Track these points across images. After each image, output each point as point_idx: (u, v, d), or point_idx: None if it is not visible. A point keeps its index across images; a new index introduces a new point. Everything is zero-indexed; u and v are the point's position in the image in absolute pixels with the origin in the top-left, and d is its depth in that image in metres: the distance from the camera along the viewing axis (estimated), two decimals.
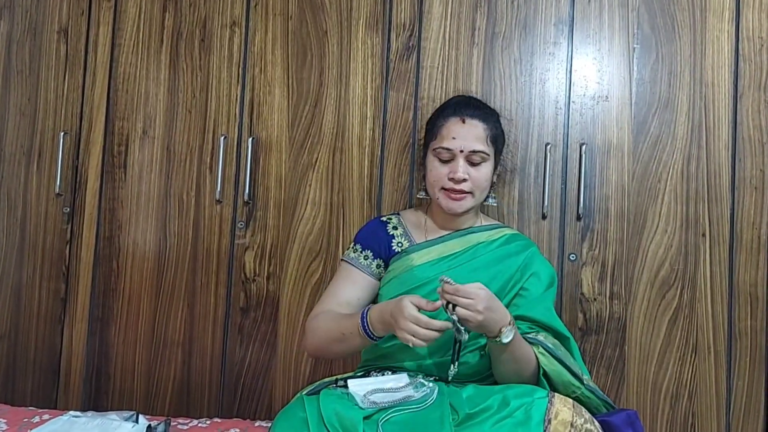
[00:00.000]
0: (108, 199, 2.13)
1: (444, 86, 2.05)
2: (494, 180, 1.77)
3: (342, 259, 1.77)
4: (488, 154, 1.70)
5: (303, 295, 2.05)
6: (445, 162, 1.69)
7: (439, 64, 2.05)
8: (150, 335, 2.10)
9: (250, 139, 2.07)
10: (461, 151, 1.67)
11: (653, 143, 1.98)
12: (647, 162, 1.98)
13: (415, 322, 1.39)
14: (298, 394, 1.54)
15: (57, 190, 2.14)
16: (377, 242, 1.74)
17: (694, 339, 1.95)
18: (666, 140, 1.98)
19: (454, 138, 1.68)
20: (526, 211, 2.00)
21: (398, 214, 1.83)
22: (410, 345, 1.40)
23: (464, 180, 1.67)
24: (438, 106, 2.01)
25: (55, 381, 2.12)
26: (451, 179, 1.67)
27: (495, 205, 1.87)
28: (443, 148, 1.68)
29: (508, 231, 1.79)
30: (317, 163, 2.07)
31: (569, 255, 1.98)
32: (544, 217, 1.99)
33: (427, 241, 1.74)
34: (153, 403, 2.08)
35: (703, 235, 1.96)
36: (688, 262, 1.96)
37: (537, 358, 1.55)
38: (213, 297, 2.08)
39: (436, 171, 1.70)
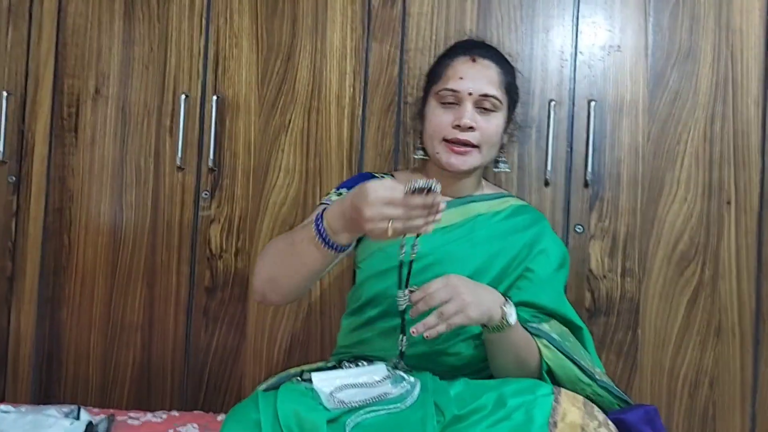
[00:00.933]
0: (57, 167, 1.90)
1: (434, 36, 1.80)
2: (505, 140, 1.50)
3: (316, 205, 1.50)
4: (501, 102, 1.43)
5: None
6: (448, 107, 1.42)
7: (427, 11, 1.80)
8: (106, 318, 1.87)
9: (215, 97, 1.83)
10: (470, 94, 1.40)
11: (672, 99, 1.74)
12: (665, 121, 1.74)
13: (388, 202, 1.07)
14: (256, 390, 1.30)
15: (0, 158, 1.90)
16: None
17: (716, 321, 1.73)
18: (686, 96, 1.74)
19: (461, 78, 1.41)
20: (527, 177, 1.77)
21: (391, 175, 1.57)
22: (389, 235, 1.07)
23: (471, 128, 1.40)
24: (427, 58, 1.79)
25: (2, 368, 1.91)
26: (456, 127, 1.40)
27: (508, 171, 1.64)
28: (448, 89, 1.41)
29: (514, 201, 1.54)
30: (290, 125, 1.83)
31: (575, 226, 1.75)
32: (546, 183, 1.76)
33: None
34: (110, 393, 1.87)
35: (728, 203, 1.73)
36: (710, 234, 1.73)
37: (540, 351, 1.32)
38: (175, 275, 1.85)
39: (438, 118, 1.42)
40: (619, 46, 1.76)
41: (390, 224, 1.06)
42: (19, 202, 1.91)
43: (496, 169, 1.55)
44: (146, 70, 1.88)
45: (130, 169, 1.88)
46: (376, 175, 1.53)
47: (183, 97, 1.84)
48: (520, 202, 1.56)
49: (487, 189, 1.57)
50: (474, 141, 1.41)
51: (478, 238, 1.44)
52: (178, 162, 1.84)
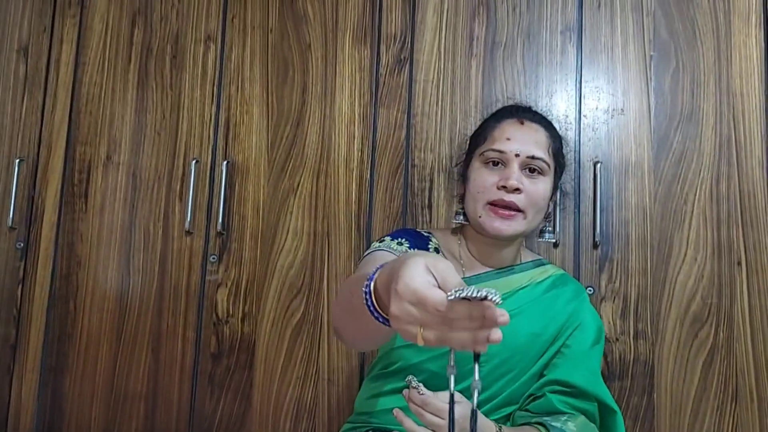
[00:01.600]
0: (66, 233, 1.90)
1: (440, 101, 1.84)
2: (550, 208, 1.42)
3: (362, 257, 1.36)
4: (548, 166, 1.36)
5: (282, 337, 1.79)
6: (494, 169, 1.35)
7: (433, 78, 1.84)
8: (109, 386, 1.84)
9: (225, 162, 1.85)
10: (517, 155, 1.33)
11: (677, 160, 1.75)
12: (671, 181, 1.75)
13: (418, 302, 0.75)
14: None
15: (10, 224, 1.91)
16: (415, 245, 1.36)
17: (733, 384, 1.68)
18: (691, 157, 1.75)
19: (508, 139, 1.34)
20: (536, 239, 1.76)
21: (430, 233, 1.44)
22: (420, 343, 0.78)
23: (517, 190, 1.31)
24: (434, 122, 1.81)
25: None
26: (502, 188, 1.31)
27: (553, 241, 1.58)
28: (494, 149, 1.34)
29: (552, 271, 1.46)
30: (299, 188, 1.84)
31: (586, 288, 1.73)
32: (555, 245, 1.75)
33: (464, 278, 1.37)
34: None
35: (739, 263, 1.71)
36: (722, 294, 1.70)
37: None
38: (180, 341, 1.83)
39: (482, 179, 1.34)
40: (622, 110, 1.79)
41: (420, 331, 0.77)
42: (26, 268, 1.90)
43: (539, 239, 1.49)
44: (158, 137, 1.91)
45: (138, 233, 1.88)
46: (423, 233, 1.42)
47: (194, 162, 1.86)
48: (559, 271, 1.49)
49: (525, 256, 1.48)
50: (520, 205, 1.32)
51: (518, 309, 1.37)
52: (186, 226, 1.85)
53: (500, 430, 1.20)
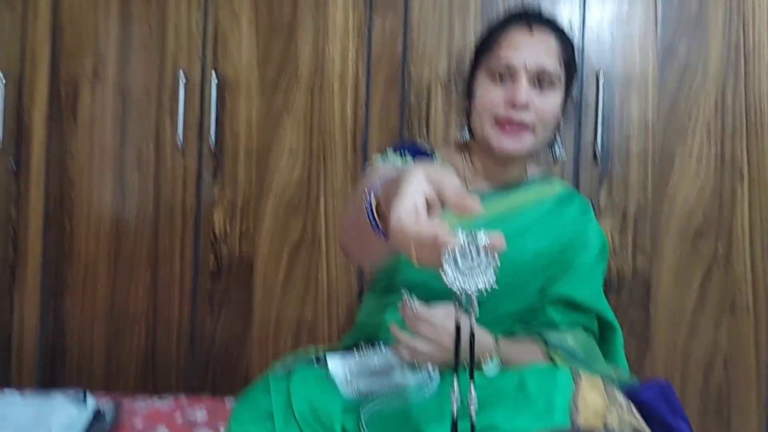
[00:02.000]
0: (57, 152, 1.87)
1: (438, 9, 1.76)
2: (561, 121, 1.35)
3: (364, 170, 1.40)
4: (560, 78, 1.29)
5: (280, 256, 1.80)
6: (501, 84, 1.27)
7: None
8: (109, 306, 1.85)
9: (215, 77, 1.79)
10: (526, 67, 1.25)
11: (681, 71, 1.71)
12: (675, 94, 1.71)
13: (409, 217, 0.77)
14: (269, 372, 1.26)
15: (0, 144, 1.88)
16: (420, 159, 1.31)
17: (730, 297, 1.70)
18: (697, 67, 1.70)
19: (517, 48, 1.26)
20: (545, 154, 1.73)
21: (433, 150, 1.40)
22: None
23: (526, 107, 1.25)
24: (431, 34, 1.75)
25: (7, 358, 1.89)
26: (510, 104, 1.25)
27: (564, 158, 1.55)
28: (502, 61, 1.26)
29: (559, 186, 1.42)
30: (293, 104, 1.80)
31: None
32: (554, 160, 1.72)
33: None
34: (115, 380, 1.85)
35: (741, 177, 1.70)
36: (723, 208, 1.70)
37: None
38: (179, 261, 1.83)
39: (489, 94, 1.27)
40: (627, 17, 1.72)
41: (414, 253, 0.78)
42: (20, 188, 1.88)
43: (549, 154, 1.41)
44: (144, 51, 1.85)
45: (130, 152, 1.85)
46: (425, 147, 1.39)
47: (182, 77, 1.81)
48: (565, 186, 1.44)
49: (531, 171, 1.42)
50: (529, 122, 1.26)
51: (524, 225, 1.34)
52: (179, 144, 1.81)
53: (497, 341, 1.21)
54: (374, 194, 0.90)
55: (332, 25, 1.79)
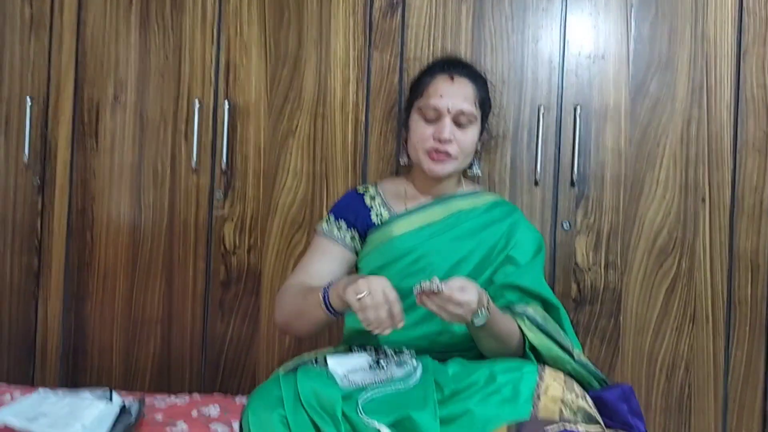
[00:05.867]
0: (79, 170, 2.03)
1: (431, 46, 1.93)
2: (478, 147, 1.68)
3: (315, 231, 1.68)
4: (476, 117, 1.61)
5: (286, 268, 1.96)
6: (430, 122, 1.59)
7: (425, 22, 1.93)
8: (127, 311, 2.02)
9: (226, 103, 1.95)
10: (449, 111, 1.57)
11: (652, 105, 1.88)
12: (646, 125, 1.88)
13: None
14: (275, 372, 1.46)
15: (26, 161, 2.03)
16: (353, 214, 1.64)
17: (692, 308, 1.88)
18: (666, 102, 1.88)
19: (441, 96, 1.58)
20: (518, 177, 1.91)
21: (375, 184, 1.72)
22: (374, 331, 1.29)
23: (450, 141, 1.57)
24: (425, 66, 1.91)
25: (31, 358, 2.05)
26: (437, 140, 1.57)
27: (480, 175, 1.78)
28: (429, 106, 1.58)
29: (491, 197, 1.71)
30: (297, 129, 1.96)
31: (562, 223, 1.89)
32: (536, 183, 1.90)
33: (407, 210, 1.64)
34: (132, 380, 2.01)
35: (703, 200, 1.87)
36: (687, 229, 1.87)
37: (522, 332, 1.47)
38: (192, 271, 1.99)
39: (421, 131, 1.60)
40: (603, 56, 1.89)
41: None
42: (44, 202, 2.04)
43: (470, 172, 1.72)
44: (162, 78, 2.00)
45: (147, 171, 2.01)
46: (359, 190, 1.70)
47: (197, 103, 1.97)
48: (496, 197, 1.74)
49: (466, 187, 1.72)
50: (453, 152, 1.58)
51: (461, 231, 1.61)
52: (193, 164, 1.97)
53: (489, 299, 1.40)
54: (326, 293, 1.38)
55: (334, 57, 1.95)
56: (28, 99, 2.02)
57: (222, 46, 1.98)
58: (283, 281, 1.95)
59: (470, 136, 1.60)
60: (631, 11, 1.88)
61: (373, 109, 1.94)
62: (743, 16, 1.86)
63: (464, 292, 1.31)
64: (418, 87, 1.64)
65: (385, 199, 1.67)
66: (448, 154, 1.57)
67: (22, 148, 2.03)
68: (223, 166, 1.96)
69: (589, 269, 1.89)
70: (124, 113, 2.01)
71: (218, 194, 1.98)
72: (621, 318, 1.89)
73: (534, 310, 1.53)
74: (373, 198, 1.67)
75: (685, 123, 1.87)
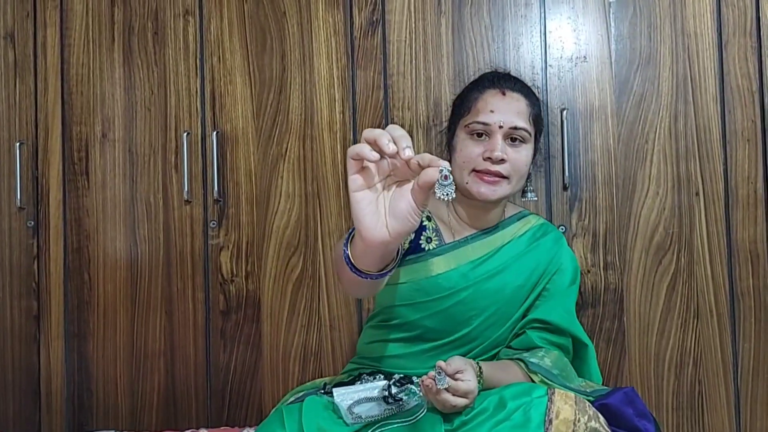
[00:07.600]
0: (73, 209, 2.03)
1: (414, 60, 1.93)
2: (531, 170, 1.55)
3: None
4: (530, 134, 1.47)
5: (285, 292, 1.95)
6: (479, 140, 1.45)
7: (406, 37, 1.94)
8: (129, 347, 2.01)
9: (215, 133, 1.96)
10: (500, 127, 1.43)
11: (637, 102, 1.88)
12: (632, 123, 1.88)
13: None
14: (280, 403, 1.44)
15: (18, 204, 2.03)
16: None
17: (695, 304, 1.86)
18: (650, 98, 1.88)
19: (492, 111, 1.44)
20: (520, 198, 1.90)
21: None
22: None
23: (502, 161, 1.43)
24: (409, 81, 1.92)
25: (37, 402, 2.04)
26: (488, 159, 1.43)
27: (535, 200, 1.71)
28: (479, 122, 1.45)
29: (534, 221, 1.60)
30: (287, 152, 1.96)
31: (558, 227, 1.89)
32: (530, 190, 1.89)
33: (455, 241, 1.51)
34: (139, 417, 2.00)
35: (697, 194, 1.86)
36: (683, 224, 1.87)
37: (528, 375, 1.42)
38: (191, 302, 1.99)
39: (468, 150, 1.45)
40: (585, 57, 1.90)
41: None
42: (39, 244, 2.04)
43: (524, 198, 1.60)
44: (148, 112, 2.01)
45: (140, 206, 2.01)
46: None
47: (185, 134, 1.97)
48: (539, 220, 1.62)
49: (509, 211, 1.60)
50: (505, 173, 1.44)
51: (505, 263, 1.51)
52: (185, 195, 1.97)
53: (480, 368, 1.36)
54: (346, 245, 1.13)
55: (318, 78, 1.96)
56: (17, 143, 2.03)
57: (206, 75, 1.99)
58: (282, 306, 1.95)
59: (524, 155, 1.47)
60: (609, 11, 1.88)
61: (361, 127, 1.94)
62: (722, 8, 1.86)
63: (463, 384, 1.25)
64: (464, 103, 1.51)
65: (437, 224, 1.54)
66: (500, 175, 1.43)
67: (14, 192, 2.04)
68: (215, 194, 1.96)
69: (589, 271, 1.88)
70: (113, 149, 2.02)
71: (212, 223, 1.98)
72: (624, 318, 1.88)
73: (551, 360, 1.45)
74: (429, 218, 1.53)
75: (672, 118, 1.87)
